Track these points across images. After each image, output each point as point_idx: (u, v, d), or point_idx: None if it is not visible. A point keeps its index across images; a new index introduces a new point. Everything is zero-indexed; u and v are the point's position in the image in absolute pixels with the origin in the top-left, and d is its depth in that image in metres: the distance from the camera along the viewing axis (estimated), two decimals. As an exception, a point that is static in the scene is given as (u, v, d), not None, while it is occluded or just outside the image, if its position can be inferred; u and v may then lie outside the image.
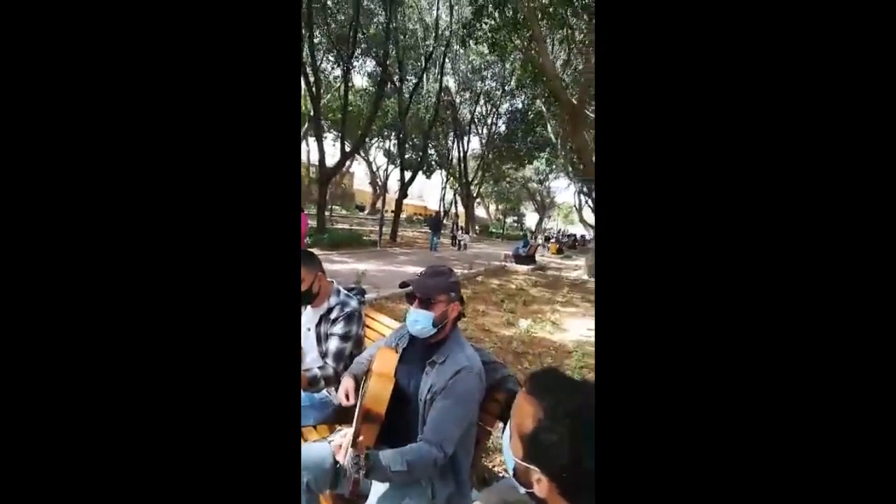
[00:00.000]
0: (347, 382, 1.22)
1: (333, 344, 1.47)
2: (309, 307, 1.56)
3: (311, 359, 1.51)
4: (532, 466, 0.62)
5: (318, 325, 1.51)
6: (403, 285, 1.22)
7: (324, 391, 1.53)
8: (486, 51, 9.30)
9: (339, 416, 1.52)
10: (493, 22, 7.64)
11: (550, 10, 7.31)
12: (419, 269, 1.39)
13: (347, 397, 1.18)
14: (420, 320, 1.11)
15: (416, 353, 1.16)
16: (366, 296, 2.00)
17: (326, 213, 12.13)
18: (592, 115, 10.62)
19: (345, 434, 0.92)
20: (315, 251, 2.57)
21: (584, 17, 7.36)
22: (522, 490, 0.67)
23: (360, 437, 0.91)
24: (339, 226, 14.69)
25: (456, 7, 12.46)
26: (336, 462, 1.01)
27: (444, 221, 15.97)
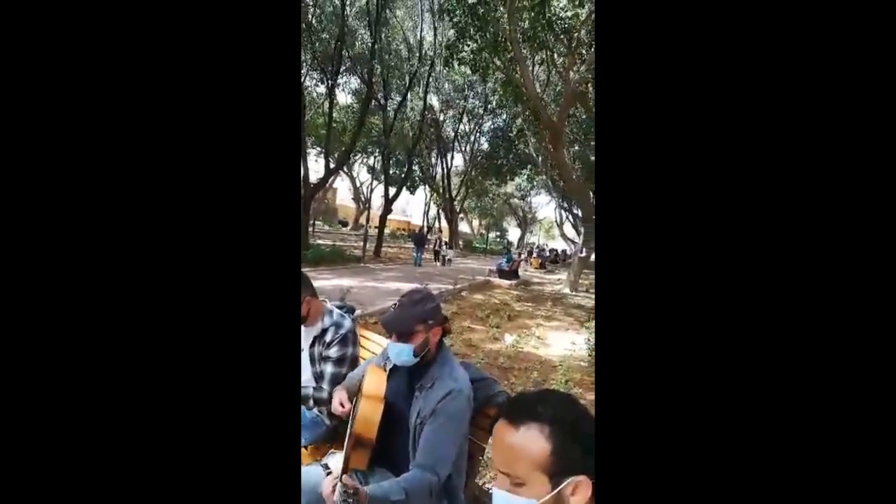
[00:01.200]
0: (340, 394, 1.22)
1: (329, 369, 1.45)
2: (301, 327, 1.55)
3: (304, 379, 1.50)
4: (570, 480, 0.60)
5: (312, 345, 1.49)
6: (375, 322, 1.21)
7: (314, 410, 1.51)
8: (469, 71, 9.53)
9: (331, 434, 1.51)
10: (474, 44, 7.86)
11: (531, 33, 7.59)
12: (403, 286, 1.40)
13: (342, 405, 1.18)
14: (400, 353, 1.10)
15: (405, 373, 1.17)
16: (355, 313, 2.01)
17: (309, 229, 12.03)
18: (571, 135, 10.96)
19: (335, 476, 0.89)
20: (302, 268, 2.53)
21: (564, 39, 7.65)
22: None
23: (350, 466, 0.90)
24: (323, 241, 14.56)
25: (439, 28, 12.77)
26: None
27: (428, 237, 16.00)
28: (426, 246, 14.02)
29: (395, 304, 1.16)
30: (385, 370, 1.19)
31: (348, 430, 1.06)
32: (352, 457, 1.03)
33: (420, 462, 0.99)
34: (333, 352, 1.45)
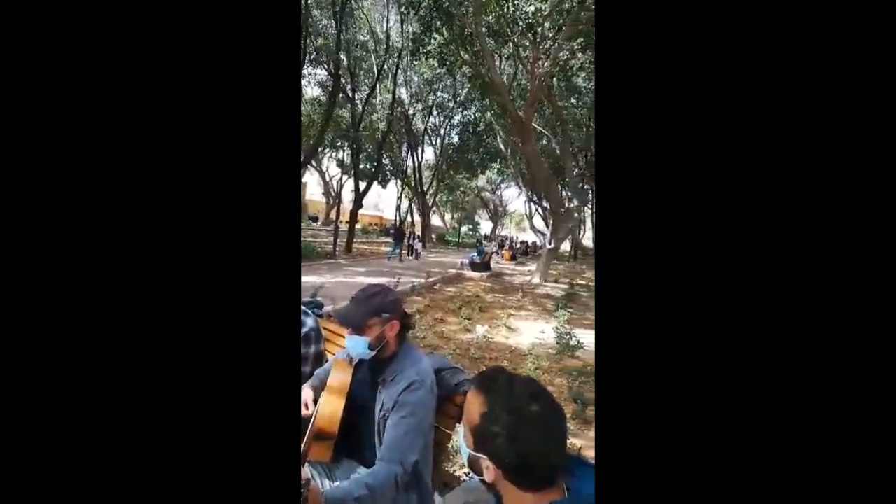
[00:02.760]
0: (306, 393, 1.24)
1: None
2: None
3: None
4: (481, 455, 0.71)
5: None
6: (330, 316, 1.22)
7: None
8: (436, 64, 9.51)
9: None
10: (441, 37, 7.85)
11: (497, 27, 7.65)
12: (376, 280, 1.41)
13: (307, 406, 1.21)
14: (355, 346, 1.12)
15: (368, 367, 1.19)
16: (323, 309, 2.02)
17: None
18: (539, 128, 11.15)
19: None
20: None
21: (529, 35, 7.76)
22: (477, 478, 0.75)
23: (309, 458, 0.89)
24: (292, 238, 14.19)
25: (406, 21, 12.64)
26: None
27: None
28: (403, 240, 14.00)
29: (352, 297, 1.18)
30: (351, 364, 1.22)
31: (310, 423, 1.09)
32: (313, 449, 1.05)
33: (385, 455, 1.01)
34: None
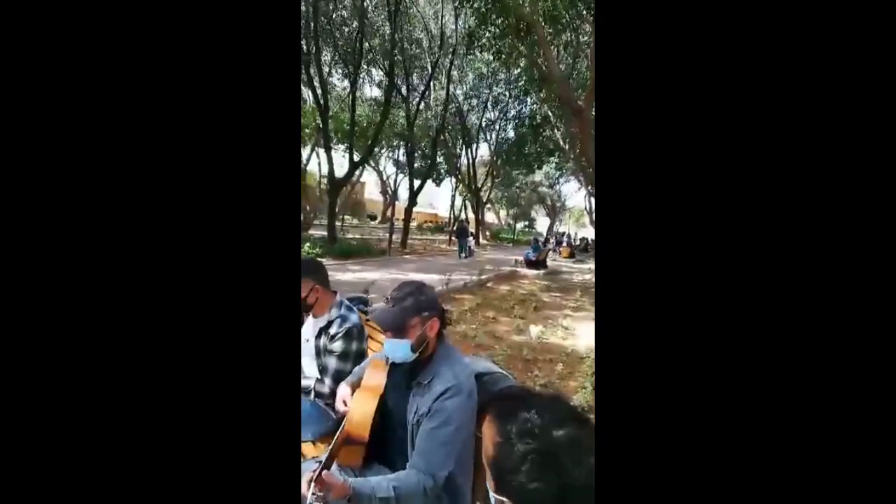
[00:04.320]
0: (343, 390, 1.20)
1: (332, 363, 1.42)
2: (310, 317, 1.52)
3: (308, 370, 1.49)
4: (504, 500, 0.57)
5: (318, 336, 1.48)
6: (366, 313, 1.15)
7: (320, 404, 1.50)
8: (491, 58, 9.32)
9: (338, 428, 1.50)
10: (496, 30, 7.66)
11: (554, 13, 7.32)
12: (427, 277, 1.34)
13: (345, 403, 1.16)
14: (397, 350, 1.04)
15: (405, 368, 1.12)
16: (369, 305, 1.99)
17: (338, 224, 12.23)
18: (600, 118, 10.54)
19: (314, 470, 0.82)
20: (326, 261, 2.55)
21: (589, 17, 7.33)
22: None
23: (333, 463, 0.85)
24: (352, 235, 14.80)
25: (461, 16, 12.56)
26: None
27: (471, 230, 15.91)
28: (468, 236, 14.00)
29: (386, 299, 1.10)
30: (387, 364, 1.16)
31: (342, 424, 1.03)
32: (342, 453, 1.00)
33: (415, 463, 0.95)
34: (337, 346, 1.43)
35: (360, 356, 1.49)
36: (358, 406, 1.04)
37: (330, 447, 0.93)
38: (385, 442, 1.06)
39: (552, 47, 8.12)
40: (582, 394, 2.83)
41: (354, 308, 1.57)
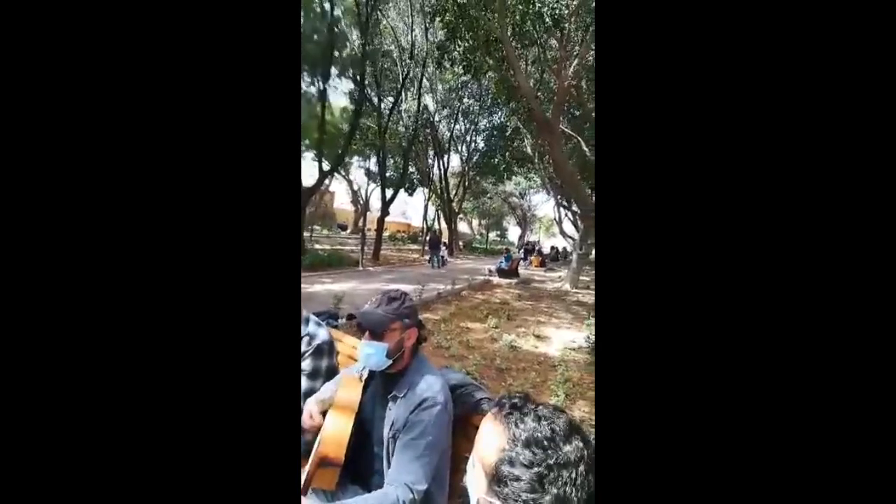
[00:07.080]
0: (311, 405, 1.15)
1: (302, 383, 1.36)
2: None
3: None
4: (494, 501, 0.57)
5: None
6: (350, 318, 1.13)
7: None
8: (461, 71, 9.45)
9: (307, 450, 1.43)
10: (466, 44, 7.78)
11: (522, 28, 7.51)
12: (401, 287, 1.32)
13: (311, 417, 1.11)
14: (372, 353, 1.03)
15: (379, 383, 1.10)
16: (339, 320, 1.94)
17: (306, 234, 11.93)
18: (567, 131, 10.89)
19: None
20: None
21: (556, 32, 7.56)
22: None
23: (312, 485, 0.82)
24: (321, 246, 14.48)
25: (430, 29, 12.71)
26: None
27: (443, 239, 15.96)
28: (440, 247, 14.04)
29: (371, 301, 1.10)
30: (360, 380, 1.12)
31: (314, 447, 0.98)
32: (316, 476, 0.95)
33: (392, 478, 0.92)
34: (306, 364, 1.38)
35: (331, 372, 1.44)
36: (332, 426, 1.00)
37: (305, 472, 0.87)
38: (360, 461, 1.02)
39: (520, 61, 8.33)
40: (556, 402, 2.85)
41: (323, 323, 1.52)
